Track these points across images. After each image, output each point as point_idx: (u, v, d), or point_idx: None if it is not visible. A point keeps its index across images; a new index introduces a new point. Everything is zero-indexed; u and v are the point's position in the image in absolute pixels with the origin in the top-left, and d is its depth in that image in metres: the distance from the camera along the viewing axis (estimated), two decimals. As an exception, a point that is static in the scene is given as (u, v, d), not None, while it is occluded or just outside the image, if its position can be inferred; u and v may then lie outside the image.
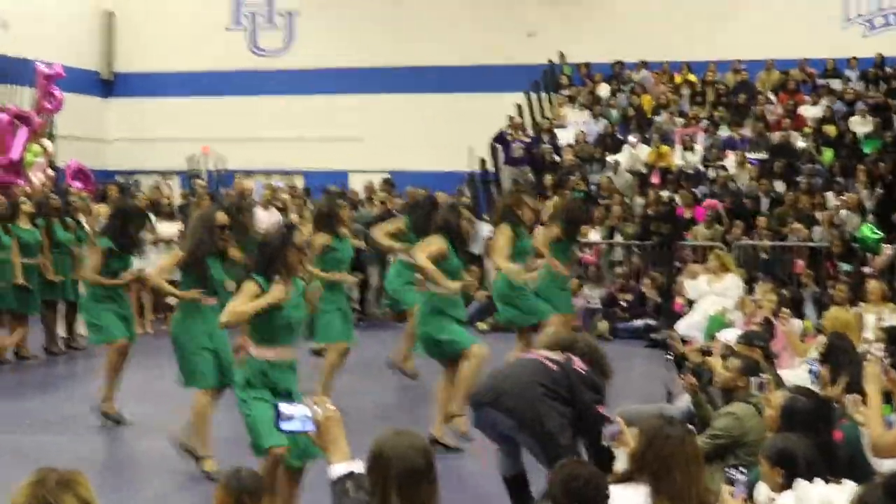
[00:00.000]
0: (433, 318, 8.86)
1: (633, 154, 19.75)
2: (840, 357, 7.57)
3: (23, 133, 19.35)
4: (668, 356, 12.40)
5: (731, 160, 18.94)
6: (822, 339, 9.17)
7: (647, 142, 20.08)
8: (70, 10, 25.57)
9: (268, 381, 6.43)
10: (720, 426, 6.40)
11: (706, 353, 9.77)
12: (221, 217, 8.28)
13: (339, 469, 3.53)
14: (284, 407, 3.50)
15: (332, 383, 10.08)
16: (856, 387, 6.46)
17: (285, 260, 6.45)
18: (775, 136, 19.36)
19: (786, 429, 5.33)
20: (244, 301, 6.40)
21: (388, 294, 12.73)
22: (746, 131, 19.95)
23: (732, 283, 13.90)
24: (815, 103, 20.53)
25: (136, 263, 10.53)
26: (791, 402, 5.48)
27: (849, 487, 4.73)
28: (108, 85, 27.08)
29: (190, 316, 8.22)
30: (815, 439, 5.17)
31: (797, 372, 9.07)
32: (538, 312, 10.62)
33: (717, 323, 11.97)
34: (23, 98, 22.67)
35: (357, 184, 20.66)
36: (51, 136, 21.98)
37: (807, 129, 19.66)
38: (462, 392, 8.56)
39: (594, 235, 17.20)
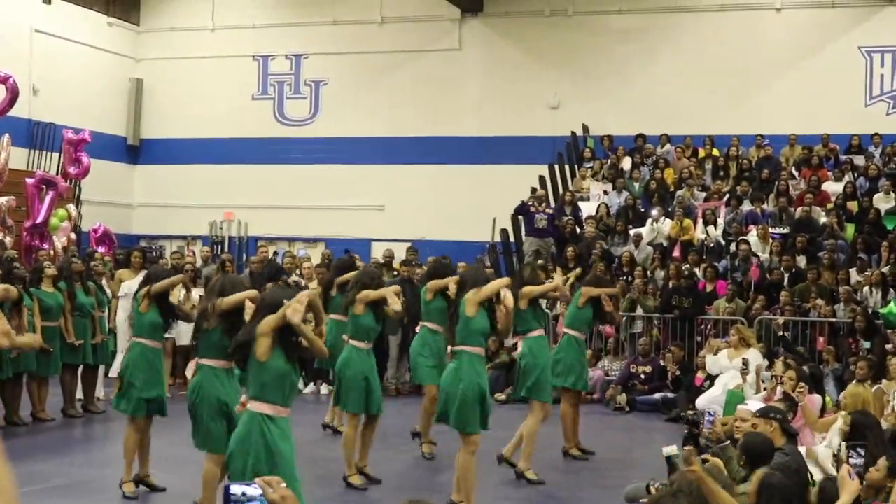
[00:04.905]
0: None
1: (656, 227, 19.76)
2: (866, 435, 7.44)
3: (49, 197, 19.55)
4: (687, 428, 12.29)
5: (753, 234, 18.89)
6: (841, 415, 9.07)
7: (669, 215, 20.06)
8: (98, 77, 25.95)
9: (266, 439, 6.30)
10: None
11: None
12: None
13: None
14: (236, 488, 3.17)
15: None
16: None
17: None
18: (798, 211, 19.32)
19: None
20: (277, 318, 6.34)
21: (412, 363, 12.37)
22: (769, 206, 19.92)
23: (753, 357, 13.82)
24: (838, 179, 20.50)
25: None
26: (767, 477, 5.40)
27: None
28: (135, 151, 27.36)
29: (208, 381, 8.18)
30: None
31: (818, 448, 8.97)
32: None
33: (736, 398, 11.87)
34: (51, 163, 22.98)
35: (379, 253, 20.74)
36: (77, 201, 22.22)
37: (829, 205, 19.61)
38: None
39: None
